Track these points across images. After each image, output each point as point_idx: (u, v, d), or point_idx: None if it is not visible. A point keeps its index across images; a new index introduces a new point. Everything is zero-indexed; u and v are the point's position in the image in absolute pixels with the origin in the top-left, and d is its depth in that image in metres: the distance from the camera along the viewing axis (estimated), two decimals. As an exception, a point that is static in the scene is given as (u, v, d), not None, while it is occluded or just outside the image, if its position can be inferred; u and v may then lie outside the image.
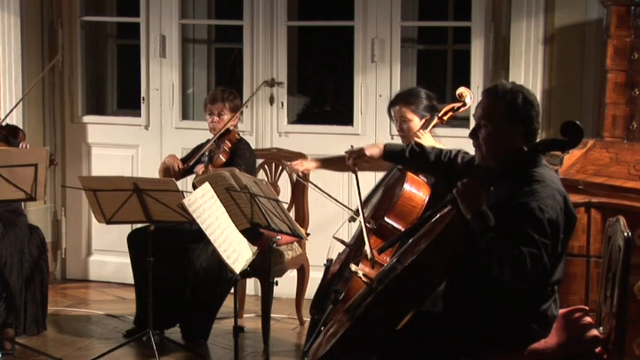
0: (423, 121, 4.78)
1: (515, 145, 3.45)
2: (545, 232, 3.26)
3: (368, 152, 4.10)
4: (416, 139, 4.62)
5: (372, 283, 3.51)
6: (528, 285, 3.30)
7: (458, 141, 5.43)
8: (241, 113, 5.74)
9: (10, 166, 4.73)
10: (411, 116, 4.76)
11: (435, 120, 4.78)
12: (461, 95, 4.85)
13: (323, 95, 7.55)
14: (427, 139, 4.79)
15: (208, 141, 5.61)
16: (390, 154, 4.10)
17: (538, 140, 3.52)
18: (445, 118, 4.82)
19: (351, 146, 4.14)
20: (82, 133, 6.75)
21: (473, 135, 3.53)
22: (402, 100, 4.82)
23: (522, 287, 3.31)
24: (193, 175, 5.59)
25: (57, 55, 6.35)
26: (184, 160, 5.67)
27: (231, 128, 5.58)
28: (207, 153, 5.52)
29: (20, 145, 5.25)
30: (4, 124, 5.39)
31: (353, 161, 4.16)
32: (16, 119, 6.20)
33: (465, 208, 3.36)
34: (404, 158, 4.04)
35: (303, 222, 5.71)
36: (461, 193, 3.39)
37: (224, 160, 5.47)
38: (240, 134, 5.71)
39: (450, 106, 4.85)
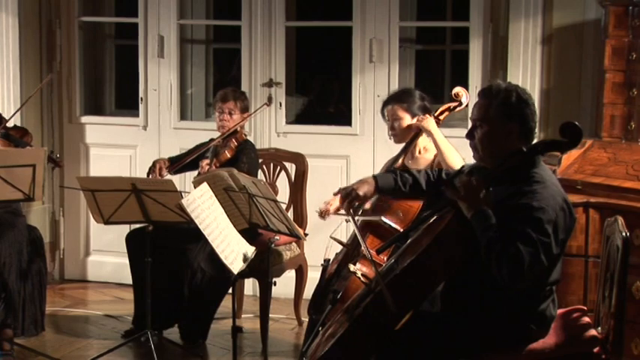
0: (415, 120, 4.77)
1: (511, 144, 3.45)
2: (545, 231, 3.26)
3: (361, 192, 3.74)
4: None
5: (371, 283, 3.51)
6: (526, 285, 3.30)
7: (455, 141, 5.45)
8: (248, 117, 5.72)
9: (8, 167, 4.73)
10: (403, 114, 4.76)
11: (432, 120, 4.78)
12: (457, 95, 4.84)
13: (326, 96, 7.54)
14: (424, 140, 4.79)
15: (211, 140, 5.61)
16: (384, 190, 3.83)
17: (537, 141, 3.51)
18: (441, 117, 4.82)
19: (339, 189, 3.83)
20: (80, 134, 6.74)
21: (469, 135, 3.54)
22: (394, 99, 4.82)
23: (519, 287, 3.30)
24: (192, 176, 5.59)
25: (49, 76, 6.36)
26: (177, 158, 5.68)
27: (239, 129, 5.58)
28: (212, 148, 5.53)
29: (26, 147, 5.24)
30: (11, 124, 5.38)
31: (348, 206, 3.77)
32: (14, 119, 6.19)
33: (467, 208, 3.35)
34: (401, 192, 3.83)
35: (302, 222, 5.71)
36: (462, 192, 3.38)
37: (229, 156, 5.44)
38: (247, 136, 5.70)
39: (447, 105, 4.85)
